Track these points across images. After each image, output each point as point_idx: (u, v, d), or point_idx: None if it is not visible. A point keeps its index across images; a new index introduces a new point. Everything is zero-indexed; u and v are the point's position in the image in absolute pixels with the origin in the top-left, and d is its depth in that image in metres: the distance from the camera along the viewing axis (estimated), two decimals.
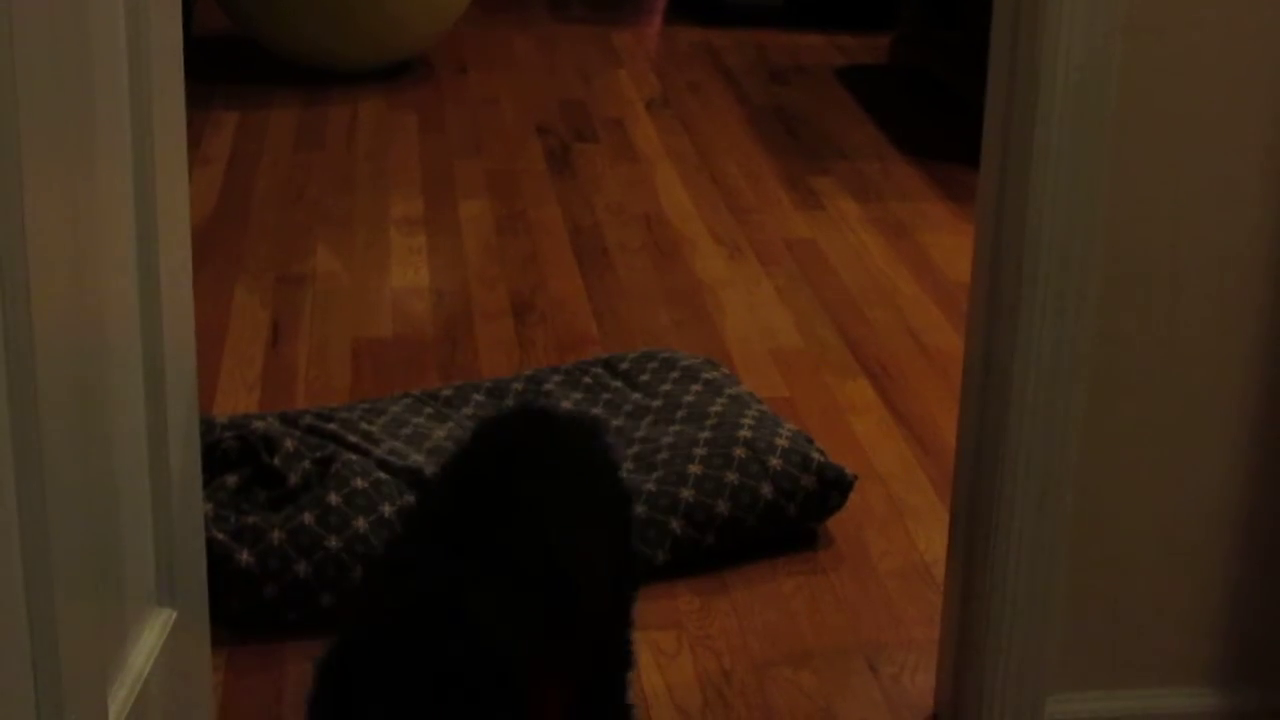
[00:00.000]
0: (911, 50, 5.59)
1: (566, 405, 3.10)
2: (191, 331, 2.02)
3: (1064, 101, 2.03)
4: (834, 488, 2.84)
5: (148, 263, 1.88)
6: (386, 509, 2.67)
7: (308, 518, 2.62)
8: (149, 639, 1.93)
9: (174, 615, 1.99)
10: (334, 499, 2.66)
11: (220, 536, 2.58)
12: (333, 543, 2.60)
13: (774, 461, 2.82)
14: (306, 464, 2.76)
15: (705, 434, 2.90)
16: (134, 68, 1.83)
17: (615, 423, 3.04)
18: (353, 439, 2.89)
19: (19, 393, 1.47)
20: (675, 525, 2.75)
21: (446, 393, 3.14)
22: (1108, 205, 2.07)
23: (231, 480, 2.73)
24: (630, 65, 5.85)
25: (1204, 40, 2.03)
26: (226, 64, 5.55)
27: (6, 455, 1.46)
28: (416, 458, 2.85)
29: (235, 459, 2.78)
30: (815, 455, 2.86)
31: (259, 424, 2.88)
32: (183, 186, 1.96)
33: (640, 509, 2.75)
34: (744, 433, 2.88)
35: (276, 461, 2.75)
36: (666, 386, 3.13)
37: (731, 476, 2.80)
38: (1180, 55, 2.03)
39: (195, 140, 4.75)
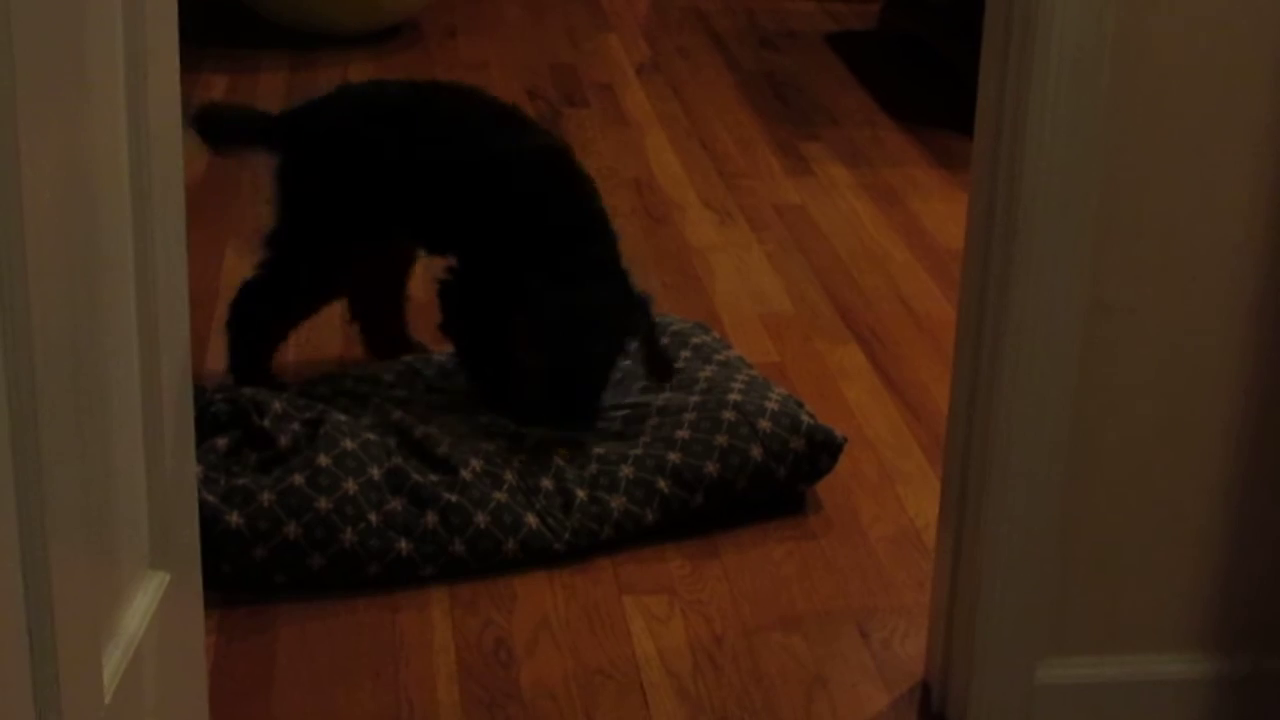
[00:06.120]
0: (902, 15, 5.58)
1: None
2: (185, 294, 2.01)
3: (1059, 68, 2.02)
4: (823, 450, 2.85)
5: (142, 226, 1.87)
6: (375, 471, 2.67)
7: (298, 479, 2.63)
8: (142, 602, 1.93)
9: (167, 578, 1.99)
10: (323, 460, 2.66)
11: (210, 499, 2.58)
12: (322, 504, 2.60)
13: (763, 424, 2.82)
14: (296, 425, 2.76)
15: (695, 398, 2.90)
16: (128, 30, 1.82)
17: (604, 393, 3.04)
18: (343, 400, 2.90)
19: (15, 357, 1.47)
20: (663, 484, 2.75)
21: (439, 358, 3.13)
22: (1102, 173, 2.07)
23: (221, 443, 2.73)
24: (620, 30, 5.84)
25: (1200, 5, 2.03)
26: (216, 27, 5.53)
27: (3, 419, 1.46)
28: (408, 418, 2.84)
29: (225, 421, 2.78)
30: (805, 418, 2.86)
31: (248, 389, 2.89)
32: (176, 148, 1.96)
33: (627, 470, 2.76)
34: (734, 396, 2.88)
35: (266, 423, 2.75)
36: None
37: (721, 439, 2.80)
38: (1176, 21, 2.03)
39: (185, 103, 4.72)
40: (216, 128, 3.18)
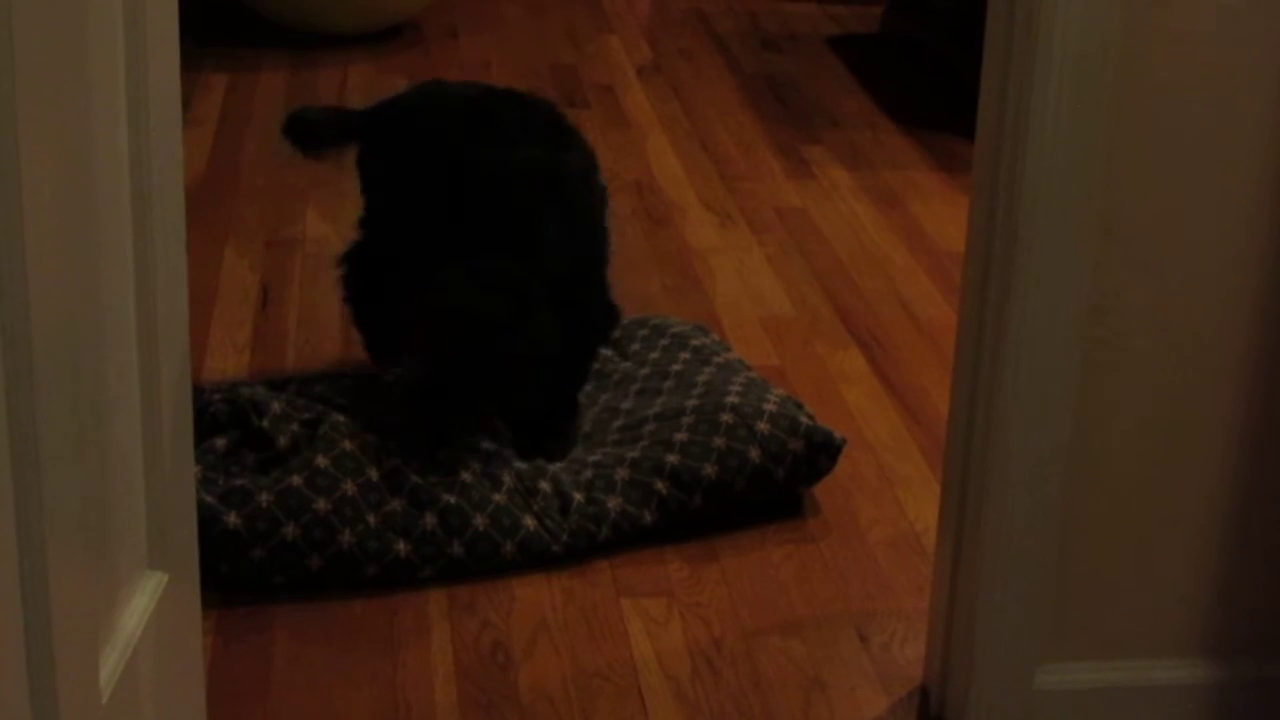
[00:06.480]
0: (904, 19, 5.58)
1: None
2: (184, 294, 2.01)
3: (1061, 71, 2.02)
4: (822, 451, 2.84)
5: (142, 226, 1.87)
6: (374, 473, 2.66)
7: (296, 480, 2.62)
8: (140, 602, 1.93)
9: (165, 578, 1.98)
10: (322, 461, 2.66)
11: (208, 499, 2.58)
12: (321, 505, 2.60)
13: (761, 426, 2.82)
14: (295, 426, 2.76)
15: (692, 402, 2.90)
16: (129, 29, 1.82)
17: (604, 396, 3.04)
18: (341, 401, 2.89)
19: (14, 357, 1.46)
20: (660, 486, 2.75)
21: None
22: (1104, 176, 2.07)
23: (220, 443, 2.73)
24: (621, 31, 5.84)
25: (1203, 11, 2.03)
26: (216, 27, 5.53)
27: (1, 419, 1.46)
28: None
29: (224, 422, 2.77)
30: (803, 420, 2.86)
31: (246, 390, 2.89)
32: (177, 148, 1.95)
33: (624, 472, 2.76)
34: (731, 399, 2.88)
35: (265, 424, 2.75)
36: (655, 354, 3.13)
37: (719, 441, 2.80)
38: (1179, 26, 2.03)
39: (185, 102, 4.70)
40: (308, 134, 3.22)
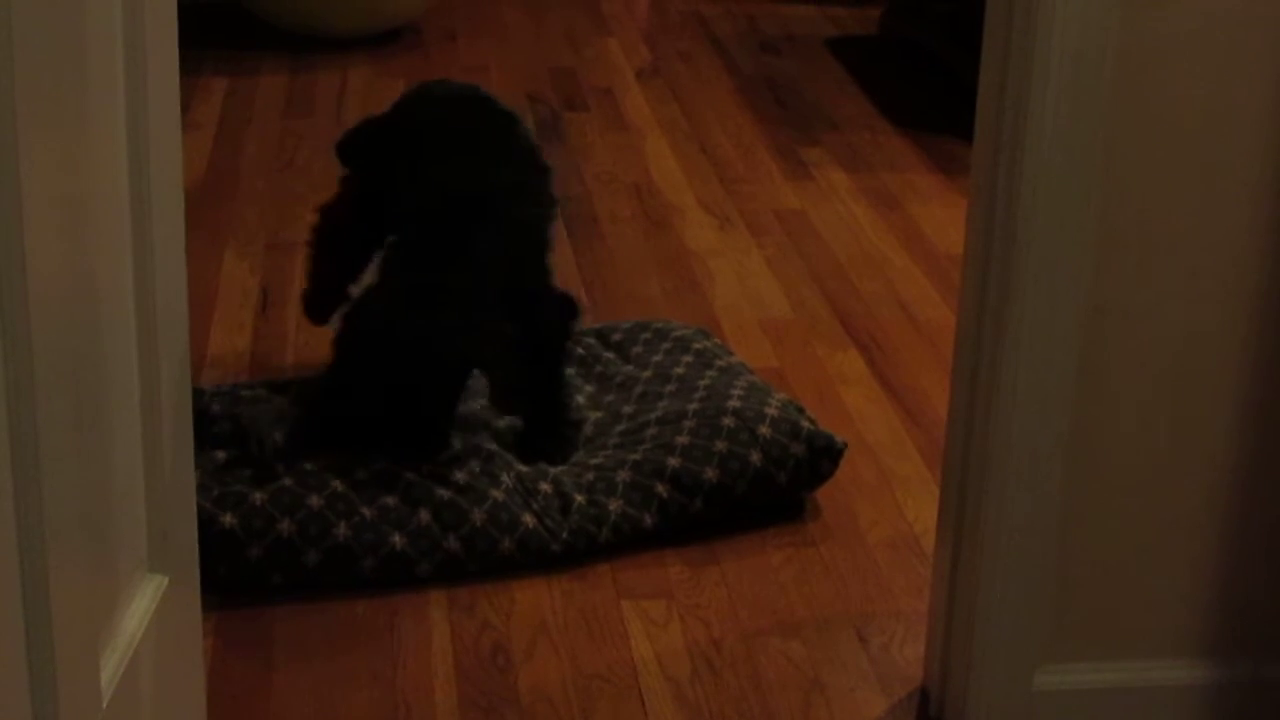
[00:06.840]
0: (903, 21, 5.58)
1: None
2: (184, 297, 2.01)
3: (1060, 73, 2.02)
4: (824, 455, 2.84)
5: (142, 228, 1.87)
6: (362, 473, 2.67)
7: (287, 481, 2.64)
8: (141, 605, 1.93)
9: (165, 581, 1.98)
10: (309, 465, 2.68)
11: (203, 503, 2.58)
12: (314, 500, 2.61)
13: (763, 430, 2.82)
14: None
15: (694, 406, 2.90)
16: (128, 31, 1.82)
17: (607, 398, 3.04)
18: None
19: (14, 360, 1.46)
20: (661, 489, 2.75)
21: None
22: (1102, 178, 2.07)
23: (221, 455, 2.74)
24: (620, 34, 5.84)
25: (1201, 12, 2.03)
26: (216, 30, 5.53)
27: (1, 422, 1.46)
28: None
29: (226, 441, 2.78)
30: (805, 423, 2.86)
31: (247, 392, 2.89)
32: (176, 150, 1.96)
33: (625, 475, 2.76)
34: (733, 403, 2.88)
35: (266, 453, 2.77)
36: (658, 358, 3.13)
37: (720, 445, 2.80)
38: (1177, 27, 2.03)
39: (184, 106, 4.69)
40: (361, 155, 3.23)
